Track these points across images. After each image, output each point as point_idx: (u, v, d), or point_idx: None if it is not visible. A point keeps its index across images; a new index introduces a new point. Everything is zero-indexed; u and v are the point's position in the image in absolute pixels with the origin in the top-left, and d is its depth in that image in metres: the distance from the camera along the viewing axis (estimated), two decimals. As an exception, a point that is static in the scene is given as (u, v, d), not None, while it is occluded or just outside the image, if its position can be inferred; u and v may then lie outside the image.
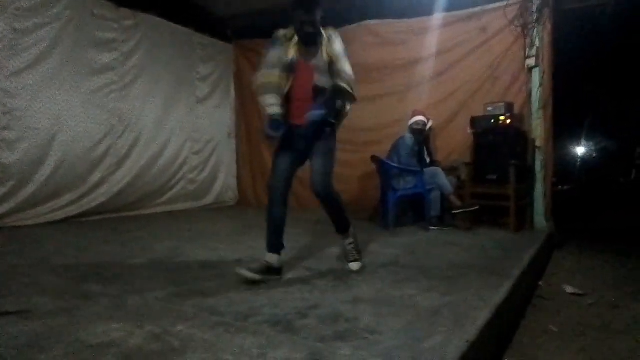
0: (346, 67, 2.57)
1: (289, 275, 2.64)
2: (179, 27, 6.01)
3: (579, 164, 20.01)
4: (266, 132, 2.45)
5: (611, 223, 7.42)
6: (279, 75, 2.56)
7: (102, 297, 2.15)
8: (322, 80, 2.55)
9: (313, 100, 2.53)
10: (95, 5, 4.98)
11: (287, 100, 2.60)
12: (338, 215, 2.73)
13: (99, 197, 4.99)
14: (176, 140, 5.97)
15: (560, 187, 15.90)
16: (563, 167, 18.75)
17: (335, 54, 2.56)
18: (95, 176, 4.99)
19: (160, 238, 3.87)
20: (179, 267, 2.84)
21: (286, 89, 2.58)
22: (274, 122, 2.46)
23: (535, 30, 4.76)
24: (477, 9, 5.13)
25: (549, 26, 4.77)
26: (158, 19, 5.68)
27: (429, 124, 4.95)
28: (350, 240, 2.80)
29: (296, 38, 2.59)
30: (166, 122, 5.83)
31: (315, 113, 2.45)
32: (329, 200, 2.62)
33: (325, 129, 2.54)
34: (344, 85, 2.53)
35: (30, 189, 4.39)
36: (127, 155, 5.32)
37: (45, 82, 4.52)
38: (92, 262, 2.92)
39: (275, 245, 2.57)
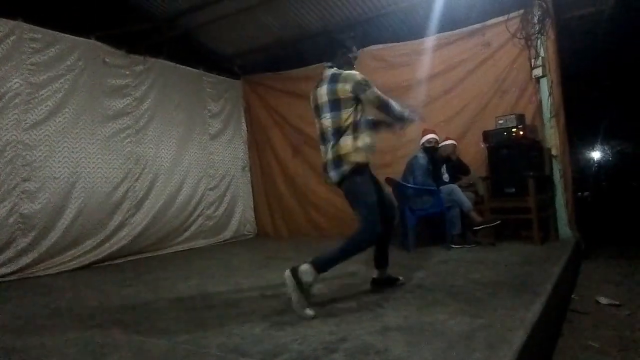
0: None
1: (313, 307, 2.60)
2: (187, 68, 6.17)
3: (597, 169, 19.62)
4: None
5: (636, 228, 7.18)
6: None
7: (128, 344, 2.14)
8: None
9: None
10: (107, 54, 5.16)
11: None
12: (388, 246, 2.91)
13: (119, 240, 5.04)
14: (192, 178, 6.04)
15: (579, 194, 15.56)
16: (581, 173, 18.40)
17: None
18: (115, 220, 5.05)
19: (182, 277, 3.86)
20: (202, 306, 2.81)
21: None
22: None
23: (539, 40, 4.76)
24: (478, 25, 5.15)
25: (552, 35, 4.77)
26: (167, 62, 5.86)
27: (447, 142, 4.95)
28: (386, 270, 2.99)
29: None
30: (181, 161, 5.92)
31: None
32: (393, 227, 2.92)
33: None
34: None
35: (52, 237, 4.46)
36: (145, 197, 5.39)
37: (62, 132, 4.66)
38: (116, 307, 2.91)
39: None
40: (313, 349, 1.91)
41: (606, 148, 20.23)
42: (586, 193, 15.54)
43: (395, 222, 2.89)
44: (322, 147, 2.74)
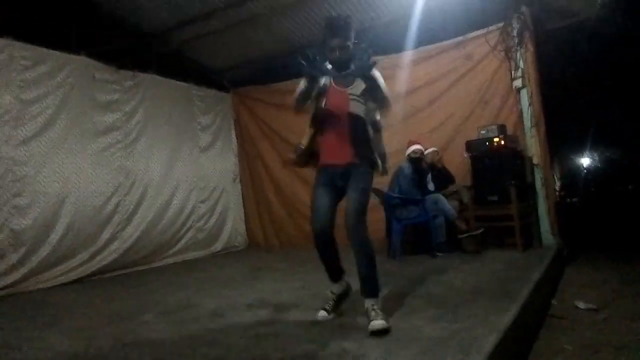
0: (386, 94, 2.58)
1: (296, 315, 2.67)
2: (177, 82, 6.26)
3: (586, 175, 19.91)
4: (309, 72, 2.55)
5: (623, 232, 7.32)
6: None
7: (114, 355, 2.19)
8: (358, 109, 2.51)
9: (349, 129, 2.48)
10: (96, 70, 5.23)
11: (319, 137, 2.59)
12: (369, 267, 2.38)
13: (110, 254, 5.06)
14: (182, 190, 6.09)
15: (569, 199, 15.77)
16: (571, 179, 18.65)
17: (380, 87, 2.56)
18: (106, 234, 5.08)
19: (171, 290, 3.91)
20: (189, 318, 2.86)
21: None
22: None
23: (518, 52, 4.90)
24: (459, 38, 5.31)
25: (531, 48, 4.91)
26: (157, 77, 5.93)
27: (430, 150, 5.08)
28: (372, 303, 2.33)
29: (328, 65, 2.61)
30: (171, 174, 5.98)
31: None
32: (360, 240, 2.37)
33: (364, 167, 2.50)
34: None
35: (42, 252, 4.48)
36: (135, 211, 5.43)
37: (53, 147, 4.70)
38: (104, 320, 2.95)
39: (336, 275, 2.62)
40: (293, 357, 1.98)
41: (595, 155, 20.59)
42: (575, 199, 15.79)
43: (353, 246, 2.39)
44: None
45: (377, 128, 2.56)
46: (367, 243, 2.40)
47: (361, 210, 2.40)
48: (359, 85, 2.54)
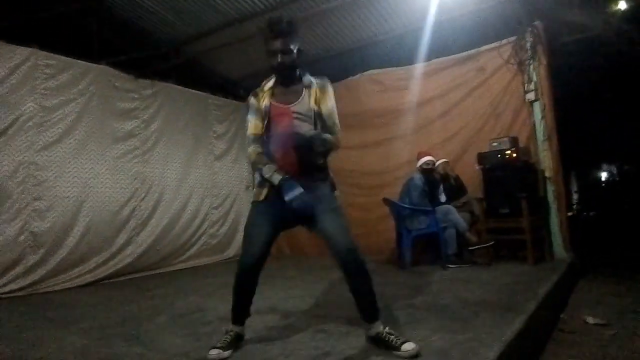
0: (337, 121, 2.31)
1: (303, 322, 2.72)
2: (194, 91, 6.41)
3: (604, 188, 19.59)
4: (292, 201, 2.15)
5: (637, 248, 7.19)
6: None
7: (126, 357, 2.26)
8: (303, 128, 2.22)
9: (295, 151, 2.19)
10: (117, 79, 5.41)
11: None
12: (366, 288, 2.20)
13: (125, 258, 5.20)
14: (196, 197, 6.22)
15: (585, 213, 15.55)
16: (588, 193, 18.37)
17: (329, 107, 2.27)
18: (121, 238, 5.22)
19: (183, 294, 3.99)
20: (199, 322, 2.93)
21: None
22: (287, 185, 2.17)
23: (531, 66, 4.91)
24: (472, 51, 5.35)
25: (544, 61, 4.92)
26: (175, 86, 6.10)
27: (440, 161, 5.10)
28: (383, 327, 2.20)
29: (270, 84, 2.33)
30: (186, 180, 6.11)
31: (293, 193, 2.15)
32: (358, 263, 2.16)
33: (323, 189, 2.28)
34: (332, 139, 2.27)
35: (60, 255, 4.63)
36: (150, 216, 5.57)
37: (73, 153, 4.87)
38: (117, 322, 3.05)
39: (242, 317, 2.40)
40: (298, 362, 2.03)
41: (613, 168, 20.26)
42: (592, 213, 15.54)
43: (349, 269, 2.17)
44: None
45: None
46: (365, 265, 2.19)
47: (349, 230, 2.21)
48: (307, 101, 2.25)
